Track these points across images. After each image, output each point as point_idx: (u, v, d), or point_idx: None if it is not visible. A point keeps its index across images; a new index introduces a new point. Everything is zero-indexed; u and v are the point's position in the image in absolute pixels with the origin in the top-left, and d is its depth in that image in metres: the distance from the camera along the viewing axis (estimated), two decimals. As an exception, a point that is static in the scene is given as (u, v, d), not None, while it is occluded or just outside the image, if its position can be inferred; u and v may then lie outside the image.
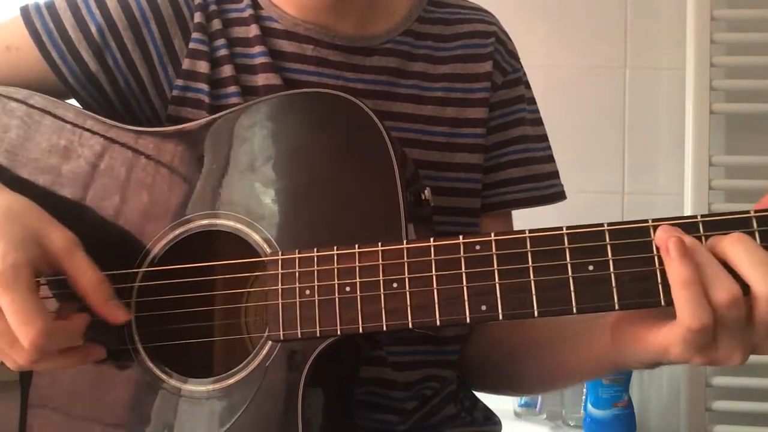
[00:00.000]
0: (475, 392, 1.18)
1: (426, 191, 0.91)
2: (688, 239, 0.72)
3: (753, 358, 0.75)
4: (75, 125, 0.96)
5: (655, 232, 0.73)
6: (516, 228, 1.10)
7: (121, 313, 0.86)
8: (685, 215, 0.73)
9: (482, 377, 1.14)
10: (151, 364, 0.88)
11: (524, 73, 1.15)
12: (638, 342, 0.79)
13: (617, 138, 2.11)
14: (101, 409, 0.89)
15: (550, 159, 1.15)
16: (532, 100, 1.16)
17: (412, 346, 1.03)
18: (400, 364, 1.01)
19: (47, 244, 0.83)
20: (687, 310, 0.70)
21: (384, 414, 1.02)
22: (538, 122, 1.16)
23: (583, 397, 1.94)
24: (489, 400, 1.20)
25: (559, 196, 1.14)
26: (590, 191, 2.06)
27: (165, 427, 0.86)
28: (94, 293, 0.85)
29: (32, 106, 0.97)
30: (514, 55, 1.14)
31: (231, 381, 0.85)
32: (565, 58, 2.11)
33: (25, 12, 1.02)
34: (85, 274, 0.84)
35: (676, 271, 0.70)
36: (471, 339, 1.11)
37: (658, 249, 0.73)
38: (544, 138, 1.16)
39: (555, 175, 1.15)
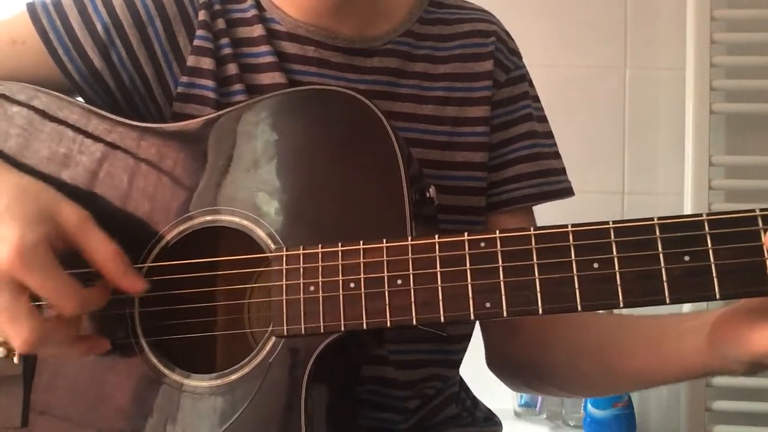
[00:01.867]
0: (474, 392, 1.19)
1: (431, 189, 0.91)
2: None
3: (752, 358, 0.75)
4: (79, 124, 0.96)
5: (659, 230, 0.73)
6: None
7: (139, 283, 0.86)
8: (690, 213, 0.72)
9: (526, 378, 1.13)
10: (154, 359, 0.88)
11: (527, 71, 1.16)
12: (740, 344, 0.77)
13: (617, 138, 2.11)
14: (104, 403, 0.89)
15: (558, 155, 1.16)
16: (536, 98, 1.16)
17: (415, 344, 1.04)
18: (402, 362, 1.02)
19: (61, 220, 0.83)
20: None
21: (385, 413, 1.02)
22: (544, 119, 1.16)
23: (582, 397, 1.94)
24: (489, 400, 1.21)
25: (567, 191, 1.14)
26: (590, 191, 2.05)
27: (168, 421, 0.86)
28: (111, 265, 0.85)
29: (35, 108, 0.97)
30: (516, 53, 1.14)
31: (234, 377, 0.85)
32: (565, 58, 2.11)
33: (31, 8, 1.02)
34: (101, 247, 0.84)
35: None
36: (508, 340, 1.10)
37: (663, 247, 0.73)
38: (550, 135, 1.16)
39: (563, 171, 1.15)
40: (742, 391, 2.00)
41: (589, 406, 1.91)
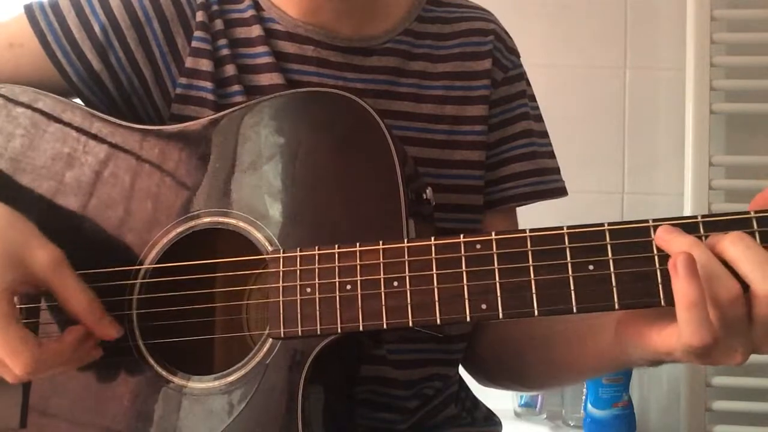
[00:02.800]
0: (474, 392, 1.18)
1: (427, 190, 0.91)
2: (688, 240, 0.71)
3: (753, 357, 0.75)
4: (81, 127, 0.96)
5: (655, 232, 0.73)
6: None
7: (114, 330, 0.86)
8: (685, 215, 0.73)
9: (486, 372, 1.15)
10: (152, 361, 0.88)
11: (524, 70, 1.16)
12: (642, 342, 0.78)
13: (617, 138, 2.11)
14: (102, 405, 0.89)
15: (553, 155, 1.16)
16: (533, 97, 1.17)
17: (414, 344, 1.04)
18: (401, 362, 1.02)
19: (32, 264, 0.82)
20: (689, 330, 0.69)
21: (385, 413, 1.02)
22: (540, 118, 1.17)
23: (583, 397, 1.94)
24: (489, 399, 1.21)
25: (562, 191, 1.15)
26: (590, 191, 2.06)
27: (166, 423, 0.86)
28: (86, 314, 0.84)
29: (38, 110, 0.97)
30: (514, 52, 1.14)
31: (231, 378, 0.85)
32: (565, 58, 2.11)
33: (29, 11, 1.02)
34: (75, 294, 0.84)
35: (682, 291, 0.69)
36: (477, 336, 1.11)
37: (658, 249, 0.73)
38: (545, 134, 1.16)
39: (558, 170, 1.15)
40: (742, 391, 2.00)
41: (589, 406, 1.91)
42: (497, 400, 1.34)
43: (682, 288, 0.69)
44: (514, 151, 1.11)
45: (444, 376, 1.08)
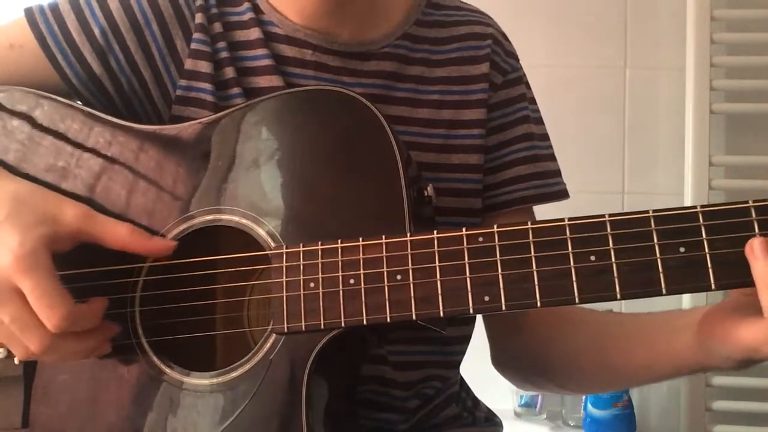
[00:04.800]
0: (474, 392, 1.19)
1: (429, 188, 0.91)
2: None
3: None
4: (83, 127, 0.96)
5: (654, 222, 0.74)
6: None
7: (167, 245, 0.88)
8: (684, 206, 0.73)
9: (537, 374, 1.13)
10: (154, 358, 0.89)
11: (524, 73, 1.16)
12: (727, 339, 0.78)
13: (617, 138, 2.11)
14: (105, 404, 0.89)
15: (553, 157, 1.15)
16: (533, 100, 1.16)
17: (414, 345, 1.04)
18: (401, 363, 1.02)
19: (62, 219, 0.84)
20: None
21: (386, 413, 1.02)
22: (540, 121, 1.16)
23: (583, 397, 1.94)
24: (489, 400, 1.21)
25: (562, 194, 1.14)
26: (590, 191, 2.06)
27: (169, 419, 0.87)
28: (131, 239, 0.86)
29: (39, 111, 0.97)
30: (512, 55, 1.14)
31: (235, 374, 0.85)
32: (565, 58, 2.11)
33: (29, 14, 1.02)
34: (114, 228, 0.86)
35: (762, 271, 0.71)
36: (514, 341, 1.10)
37: (659, 239, 0.73)
38: (546, 137, 1.16)
39: (558, 173, 1.15)
40: (742, 391, 2.00)
41: (589, 406, 1.91)
42: (497, 400, 1.35)
43: (760, 268, 0.71)
44: (515, 155, 1.11)
45: (443, 378, 1.08)
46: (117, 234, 0.86)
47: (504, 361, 1.14)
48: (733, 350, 0.78)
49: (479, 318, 1.11)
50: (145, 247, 0.87)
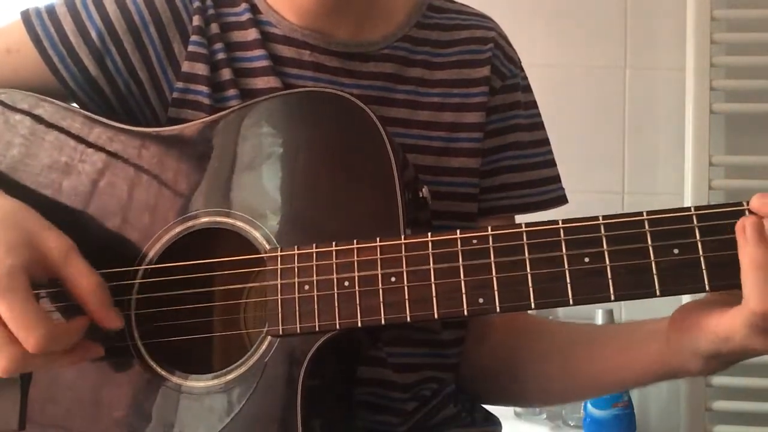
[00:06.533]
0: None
1: (424, 189, 0.92)
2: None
3: (753, 358, 0.76)
4: (81, 130, 0.96)
5: (648, 224, 0.74)
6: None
7: (117, 320, 0.86)
8: (678, 207, 0.74)
9: (494, 388, 1.13)
10: (150, 361, 0.88)
11: (523, 77, 1.15)
12: (698, 330, 0.79)
13: (617, 138, 2.11)
14: (102, 406, 0.89)
15: (549, 164, 1.15)
16: (531, 104, 1.15)
17: (411, 348, 1.03)
18: (400, 365, 1.01)
19: (44, 249, 0.83)
20: (756, 293, 0.71)
21: (384, 415, 1.02)
22: (537, 126, 1.15)
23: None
24: (489, 399, 1.21)
25: (557, 200, 1.14)
26: (590, 191, 2.06)
27: (165, 423, 0.86)
28: (91, 298, 0.84)
29: (38, 115, 0.98)
30: (513, 60, 1.14)
31: (230, 376, 0.85)
32: (565, 58, 2.11)
33: (25, 17, 1.02)
34: (83, 278, 0.84)
35: (750, 254, 0.71)
36: (479, 349, 1.10)
37: (653, 241, 0.73)
38: (542, 143, 1.15)
39: (553, 179, 1.14)
40: (742, 391, 2.00)
41: (589, 406, 1.91)
42: (497, 400, 1.34)
43: (750, 251, 0.71)
44: (504, 162, 1.11)
45: (439, 379, 1.08)
46: (84, 284, 0.84)
47: (469, 374, 1.13)
48: (702, 341, 0.79)
49: None
50: (100, 312, 0.85)
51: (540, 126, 1.16)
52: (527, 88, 1.16)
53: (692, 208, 0.74)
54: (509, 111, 1.11)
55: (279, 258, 0.83)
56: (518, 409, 2.05)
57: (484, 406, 1.17)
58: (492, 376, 1.12)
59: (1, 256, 0.80)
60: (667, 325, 0.85)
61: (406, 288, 0.78)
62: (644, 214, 0.74)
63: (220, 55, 1.02)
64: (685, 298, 0.85)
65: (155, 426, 0.87)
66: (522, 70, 1.16)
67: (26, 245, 0.82)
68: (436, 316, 0.77)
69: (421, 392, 1.05)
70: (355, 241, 0.81)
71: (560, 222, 0.76)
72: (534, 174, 1.12)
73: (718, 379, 1.99)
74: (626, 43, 2.10)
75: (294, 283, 0.82)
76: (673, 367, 0.87)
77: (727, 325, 0.75)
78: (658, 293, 0.73)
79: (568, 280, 0.74)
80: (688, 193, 2.00)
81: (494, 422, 1.16)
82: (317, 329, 0.81)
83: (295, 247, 0.83)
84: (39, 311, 0.80)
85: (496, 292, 0.76)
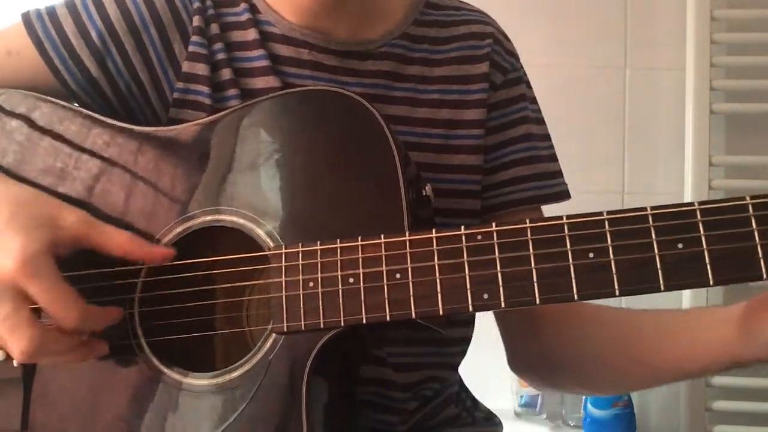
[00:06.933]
0: (474, 392, 1.18)
1: (427, 187, 0.92)
2: None
3: (752, 359, 0.76)
4: (81, 129, 0.96)
5: (652, 219, 0.74)
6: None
7: (167, 252, 0.88)
8: (682, 202, 0.74)
9: (559, 375, 1.12)
10: (154, 359, 0.88)
11: (524, 73, 1.15)
12: None
13: (617, 138, 2.11)
14: (105, 405, 0.89)
15: (554, 158, 1.15)
16: (534, 100, 1.16)
17: (413, 347, 1.03)
18: (400, 365, 1.02)
19: (62, 224, 0.84)
20: None
21: (385, 414, 1.02)
22: (541, 121, 1.16)
23: (583, 397, 1.94)
24: (489, 400, 1.21)
25: (563, 194, 1.14)
26: (590, 191, 2.05)
27: (168, 420, 0.87)
28: (132, 246, 0.86)
29: (38, 114, 0.98)
30: (512, 55, 1.14)
31: (234, 374, 0.85)
32: (565, 58, 2.11)
33: (26, 18, 1.02)
34: (115, 236, 0.86)
35: None
36: (534, 343, 1.10)
37: (658, 235, 0.73)
38: (547, 137, 1.15)
39: (559, 174, 1.14)
40: (742, 391, 2.00)
41: (589, 406, 1.91)
42: (497, 400, 1.35)
43: None
44: (513, 156, 1.10)
45: (441, 379, 1.08)
46: (116, 241, 0.86)
47: (521, 363, 1.13)
48: None
49: (492, 320, 1.11)
50: (145, 254, 0.87)
51: (543, 121, 1.16)
52: (529, 84, 1.16)
53: (696, 203, 0.74)
54: (514, 104, 1.11)
55: (283, 255, 0.83)
56: (518, 409, 2.06)
57: (485, 405, 1.18)
58: (546, 367, 1.11)
59: (25, 241, 0.81)
60: (741, 313, 0.85)
61: (411, 284, 0.78)
62: (648, 209, 0.74)
63: (220, 55, 1.02)
64: (688, 293, 0.85)
65: (158, 424, 0.87)
66: (521, 66, 1.16)
67: (45, 225, 0.83)
68: (441, 312, 0.77)
69: (422, 392, 1.05)
70: (359, 237, 0.81)
71: (564, 218, 0.76)
72: (543, 167, 1.12)
73: (718, 379, 1.99)
74: (626, 43, 2.11)
75: (298, 280, 0.82)
76: (744, 357, 0.87)
77: None
78: (662, 288, 0.73)
79: (572, 276, 0.75)
80: (688, 193, 2.01)
81: (495, 422, 1.16)
82: (322, 326, 0.81)
83: (300, 244, 0.83)
84: (71, 289, 0.82)
85: (501, 288, 0.76)
